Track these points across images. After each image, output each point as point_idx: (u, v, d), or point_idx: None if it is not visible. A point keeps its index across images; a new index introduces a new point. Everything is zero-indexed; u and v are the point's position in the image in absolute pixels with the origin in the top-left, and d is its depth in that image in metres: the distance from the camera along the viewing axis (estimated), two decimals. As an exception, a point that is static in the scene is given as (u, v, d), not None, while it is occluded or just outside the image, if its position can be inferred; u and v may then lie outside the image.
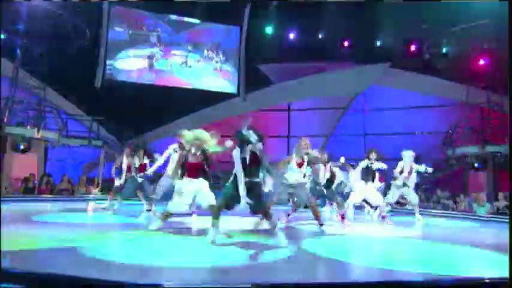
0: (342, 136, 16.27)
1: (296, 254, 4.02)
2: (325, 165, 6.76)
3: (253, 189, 4.47)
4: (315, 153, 5.84)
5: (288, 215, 6.72)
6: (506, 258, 4.13)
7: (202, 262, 3.52)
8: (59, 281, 2.13)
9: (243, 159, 4.44)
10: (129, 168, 7.45)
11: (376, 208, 7.88)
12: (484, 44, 12.43)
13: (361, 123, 16.60)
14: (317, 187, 6.57)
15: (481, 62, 12.85)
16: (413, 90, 15.06)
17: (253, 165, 4.44)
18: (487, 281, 2.59)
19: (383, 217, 7.28)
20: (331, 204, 7.99)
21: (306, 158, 5.61)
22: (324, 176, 6.62)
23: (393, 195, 7.69)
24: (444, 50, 13.45)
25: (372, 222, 7.47)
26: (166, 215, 5.16)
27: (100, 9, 14.94)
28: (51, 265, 3.16)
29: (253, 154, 4.44)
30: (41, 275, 2.36)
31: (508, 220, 8.63)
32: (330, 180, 6.90)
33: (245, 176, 4.44)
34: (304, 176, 5.66)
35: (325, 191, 6.77)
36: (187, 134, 5.01)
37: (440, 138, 13.20)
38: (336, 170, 7.45)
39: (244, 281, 2.88)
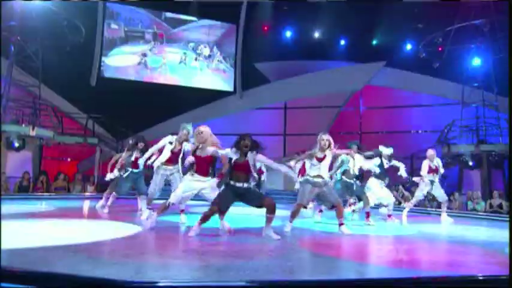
0: (338, 134, 16.32)
1: (292, 252, 4.03)
2: (353, 158, 6.71)
3: (247, 194, 4.55)
4: (343, 155, 5.79)
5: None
6: (502, 255, 4.16)
7: (197, 260, 3.52)
8: (54, 279, 2.12)
9: (230, 160, 4.58)
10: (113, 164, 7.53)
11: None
12: (479, 43, 12.51)
13: (356, 122, 16.66)
14: (348, 181, 6.57)
15: (476, 61, 12.93)
16: (409, 89, 15.12)
17: (240, 171, 4.51)
18: (480, 278, 2.60)
19: (389, 215, 7.31)
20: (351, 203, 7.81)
21: (328, 153, 5.45)
22: (354, 167, 6.60)
23: (422, 193, 7.72)
24: (439, 49, 13.50)
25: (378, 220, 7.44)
26: (166, 206, 5.06)
27: (95, 6, 14.85)
28: (47, 263, 3.15)
29: (243, 161, 4.54)
30: (37, 273, 2.35)
31: (504, 218, 8.72)
32: (359, 175, 6.82)
33: (231, 179, 4.53)
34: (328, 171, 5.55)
35: (354, 186, 6.73)
36: (205, 130, 4.93)
37: (435, 136, 13.27)
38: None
39: (239, 278, 2.88)
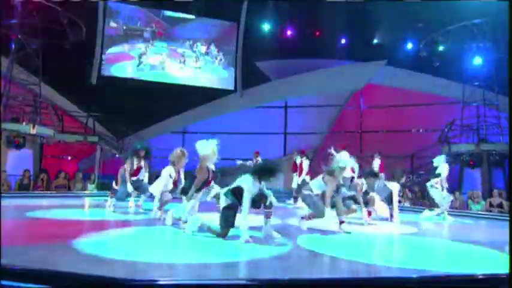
0: (338, 133, 16.32)
1: (292, 250, 4.03)
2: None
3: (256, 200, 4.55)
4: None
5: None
6: (502, 254, 4.17)
7: (197, 258, 3.53)
8: (54, 277, 2.12)
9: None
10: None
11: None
12: (480, 42, 12.49)
13: (357, 121, 16.65)
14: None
15: (477, 60, 12.91)
16: (410, 88, 15.11)
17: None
18: (480, 277, 2.60)
19: (391, 215, 7.33)
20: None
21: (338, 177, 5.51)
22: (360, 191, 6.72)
23: (446, 194, 7.85)
24: (440, 48, 13.48)
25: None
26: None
27: (96, 5, 14.85)
28: (47, 261, 3.15)
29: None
30: (37, 271, 2.36)
31: (504, 217, 8.72)
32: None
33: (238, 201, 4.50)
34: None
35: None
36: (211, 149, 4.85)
37: (436, 136, 13.26)
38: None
39: (240, 277, 2.89)
